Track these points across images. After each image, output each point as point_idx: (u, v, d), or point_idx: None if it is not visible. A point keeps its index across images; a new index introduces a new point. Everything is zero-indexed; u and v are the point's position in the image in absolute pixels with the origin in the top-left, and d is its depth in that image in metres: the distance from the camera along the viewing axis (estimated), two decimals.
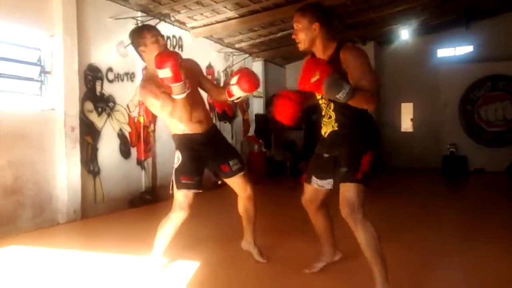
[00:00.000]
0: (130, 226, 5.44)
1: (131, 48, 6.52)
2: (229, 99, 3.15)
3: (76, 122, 5.60)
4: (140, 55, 3.06)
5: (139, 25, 3.21)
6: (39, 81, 5.40)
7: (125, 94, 6.59)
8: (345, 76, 2.54)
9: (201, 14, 7.57)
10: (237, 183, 3.40)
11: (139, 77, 6.81)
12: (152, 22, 6.90)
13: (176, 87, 2.73)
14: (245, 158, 10.02)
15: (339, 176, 2.72)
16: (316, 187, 2.99)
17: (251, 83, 3.03)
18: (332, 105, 2.77)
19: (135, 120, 6.78)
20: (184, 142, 3.20)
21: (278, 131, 11.19)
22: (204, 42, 8.55)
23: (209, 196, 7.85)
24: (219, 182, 3.49)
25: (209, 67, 8.83)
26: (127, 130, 6.60)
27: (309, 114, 11.96)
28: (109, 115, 6.26)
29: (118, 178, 6.38)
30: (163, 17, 7.15)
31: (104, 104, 6.19)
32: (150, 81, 2.96)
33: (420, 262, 3.54)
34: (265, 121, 10.55)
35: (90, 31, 5.97)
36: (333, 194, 2.90)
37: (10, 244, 4.36)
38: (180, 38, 7.82)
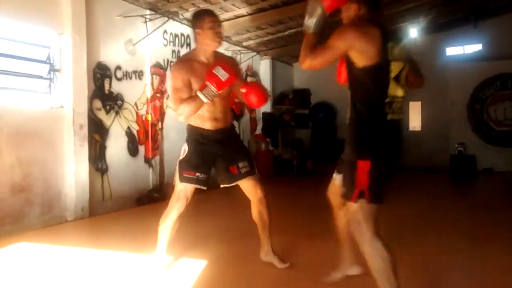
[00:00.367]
0: (138, 224, 5.45)
1: (139, 46, 6.62)
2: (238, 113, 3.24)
3: (84, 120, 5.62)
4: (195, 37, 3.10)
5: (202, 9, 3.24)
6: (48, 79, 5.42)
7: (134, 92, 6.60)
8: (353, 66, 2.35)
9: None
10: (247, 186, 3.32)
11: (147, 75, 6.83)
12: (161, 20, 6.93)
13: (210, 90, 2.85)
14: (252, 156, 10.02)
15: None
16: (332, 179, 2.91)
17: (259, 98, 3.07)
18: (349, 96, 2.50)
19: (143, 118, 6.79)
20: (194, 135, 3.18)
21: (285, 129, 11.18)
22: None
23: (214, 194, 7.88)
24: (221, 186, 3.38)
25: None
26: (135, 128, 6.61)
27: (316, 113, 11.97)
28: (117, 113, 6.28)
29: (126, 176, 6.40)
30: (172, 15, 7.15)
31: (112, 102, 6.20)
32: (185, 63, 3.09)
33: (423, 262, 3.52)
34: (272, 120, 10.54)
35: (99, 29, 5.98)
36: None
37: (19, 241, 4.38)
38: (188, 36, 7.82)
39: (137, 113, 6.66)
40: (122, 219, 5.71)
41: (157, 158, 7.04)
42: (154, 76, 6.99)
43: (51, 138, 5.30)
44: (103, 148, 6.05)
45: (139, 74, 6.70)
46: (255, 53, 10.08)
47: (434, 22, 10.33)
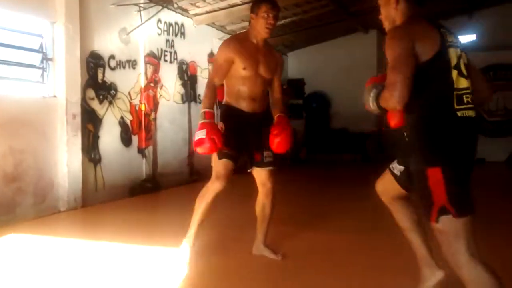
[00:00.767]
0: (131, 214, 5.45)
1: (133, 35, 6.55)
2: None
3: (77, 110, 5.58)
4: (249, 19, 3.18)
5: None
6: (41, 68, 5.36)
7: (127, 81, 6.55)
8: None
9: (204, 1, 7.51)
10: (261, 175, 3.31)
11: (141, 65, 6.78)
12: (155, 9, 6.87)
13: (203, 117, 3.12)
14: None
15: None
16: (390, 168, 2.46)
17: (280, 146, 3.18)
18: None
19: (137, 108, 6.76)
20: (230, 113, 3.21)
21: None
22: (206, 29, 8.48)
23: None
24: (249, 170, 3.35)
25: (211, 54, 8.77)
26: (128, 118, 6.58)
27: (310, 103, 11.96)
28: (110, 102, 6.24)
29: (119, 166, 6.37)
30: (166, 4, 7.08)
31: (105, 91, 6.16)
32: (235, 42, 3.17)
33: None
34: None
35: (92, 18, 5.92)
36: None
37: (11, 232, 4.37)
38: (182, 25, 7.76)
39: (130, 103, 6.62)
40: (115, 209, 5.70)
41: (151, 148, 7.02)
42: (148, 65, 6.94)
43: (44, 128, 5.26)
44: (96, 138, 6.01)
45: (132, 64, 6.65)
46: None
47: (429, 11, 10.29)
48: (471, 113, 2.00)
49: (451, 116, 1.98)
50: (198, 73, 8.32)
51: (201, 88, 8.39)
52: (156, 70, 7.13)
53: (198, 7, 7.71)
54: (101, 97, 6.07)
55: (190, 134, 8.00)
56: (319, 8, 8.98)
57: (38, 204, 5.13)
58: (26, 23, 5.22)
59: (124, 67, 6.49)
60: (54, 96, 5.42)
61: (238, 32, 3.11)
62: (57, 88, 5.43)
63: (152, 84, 7.04)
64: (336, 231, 4.34)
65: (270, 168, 3.30)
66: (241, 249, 3.67)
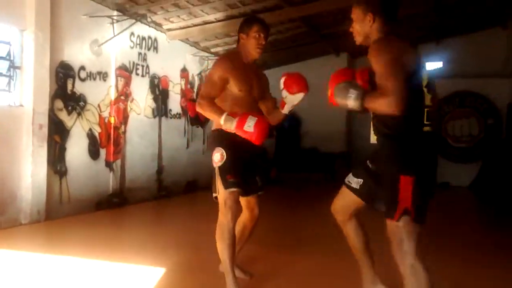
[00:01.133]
0: (95, 229, 5.31)
1: (105, 47, 6.48)
2: (283, 111, 3.07)
3: (44, 120, 5.45)
4: (238, 38, 3.14)
5: (255, 16, 3.19)
6: (8, 76, 5.23)
7: (97, 93, 6.45)
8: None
9: (178, 16, 7.51)
10: (250, 201, 3.19)
11: (112, 77, 6.70)
12: (128, 22, 6.82)
13: (230, 124, 2.82)
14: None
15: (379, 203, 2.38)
16: (345, 183, 2.64)
17: (298, 84, 2.98)
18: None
19: (106, 120, 6.64)
20: (228, 138, 2.95)
21: None
22: (179, 45, 8.48)
23: (177, 200, 7.81)
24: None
25: (184, 70, 8.76)
26: (97, 130, 6.46)
27: (281, 122, 12.02)
28: (79, 114, 6.11)
29: (85, 179, 6.22)
30: (140, 18, 7.05)
31: (74, 102, 6.04)
32: (230, 61, 3.03)
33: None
34: None
35: (64, 28, 5.83)
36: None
37: None
38: (155, 39, 7.73)
39: (100, 115, 6.51)
40: (80, 223, 5.55)
41: (119, 162, 6.89)
42: (119, 78, 6.86)
43: (8, 137, 5.11)
44: (63, 149, 5.87)
45: (103, 76, 6.56)
46: None
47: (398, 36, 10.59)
48: (433, 128, 2.31)
49: (421, 131, 2.24)
50: (170, 88, 8.28)
51: (173, 103, 8.35)
52: (127, 83, 7.05)
53: (172, 22, 7.71)
54: (69, 108, 5.95)
55: (160, 149, 7.92)
56: (293, 29, 9.11)
57: None
58: None
59: (94, 79, 6.39)
60: (21, 105, 5.28)
61: (226, 51, 3.03)
62: (24, 97, 5.30)
63: (122, 97, 6.95)
64: (304, 253, 4.33)
65: (261, 193, 3.21)
66: (209, 269, 3.60)
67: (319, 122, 11.14)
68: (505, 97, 10.86)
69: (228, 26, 7.98)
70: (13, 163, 5.15)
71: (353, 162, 11.98)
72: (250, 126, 2.76)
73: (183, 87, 8.75)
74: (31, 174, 5.26)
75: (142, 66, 7.43)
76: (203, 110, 2.98)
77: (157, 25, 7.69)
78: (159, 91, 7.94)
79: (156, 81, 7.83)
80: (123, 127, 6.97)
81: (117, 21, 6.65)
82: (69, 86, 5.95)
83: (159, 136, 7.93)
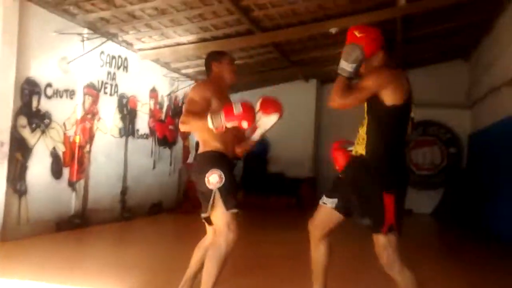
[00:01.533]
0: (54, 251, 5.13)
1: (74, 65, 6.38)
2: (254, 136, 3.10)
3: (6, 137, 5.28)
4: (209, 67, 3.22)
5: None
6: None
7: (63, 111, 6.31)
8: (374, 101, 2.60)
9: (150, 37, 7.49)
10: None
11: (78, 95, 6.58)
12: (99, 40, 6.75)
13: (219, 120, 2.75)
14: (183, 186, 9.87)
15: (361, 218, 2.63)
16: (321, 204, 2.87)
17: (274, 105, 3.10)
18: (366, 123, 2.69)
19: (71, 139, 6.49)
20: (222, 159, 2.99)
21: None
22: (150, 65, 8.44)
23: (141, 222, 7.65)
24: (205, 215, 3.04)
25: (153, 90, 8.70)
26: (61, 149, 6.29)
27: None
28: (43, 132, 5.95)
29: (46, 199, 6.02)
30: (111, 37, 6.99)
31: (39, 120, 5.88)
32: (210, 85, 3.10)
33: None
34: None
35: (32, 44, 5.71)
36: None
37: None
38: (126, 58, 7.66)
39: (65, 134, 6.35)
40: (38, 245, 5.34)
41: (82, 181, 6.72)
42: (87, 96, 6.74)
43: None
44: (24, 168, 5.68)
45: (70, 94, 6.43)
46: (193, 81, 10.06)
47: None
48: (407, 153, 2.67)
49: (402, 156, 2.68)
50: (139, 108, 8.19)
51: (141, 122, 8.25)
52: (94, 102, 6.94)
53: (143, 42, 7.68)
54: (33, 125, 5.79)
55: (125, 169, 7.78)
56: (264, 54, 9.22)
57: None
58: None
59: (61, 97, 6.26)
60: None
61: (203, 80, 3.10)
62: None
63: (89, 116, 6.82)
64: (266, 277, 4.30)
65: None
66: None
67: (287, 147, 11.24)
68: (467, 127, 11.26)
69: (200, 49, 8.02)
70: None
71: (319, 188, 12.10)
72: (239, 109, 2.76)
73: (152, 107, 8.68)
74: None
75: (111, 85, 7.34)
76: (188, 123, 2.94)
77: (128, 45, 7.65)
78: (127, 111, 7.85)
79: (124, 100, 7.73)
80: (88, 146, 6.83)
81: (88, 39, 6.58)
82: (34, 103, 5.80)
83: (125, 156, 7.80)
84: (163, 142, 9.06)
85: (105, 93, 7.20)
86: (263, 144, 12.04)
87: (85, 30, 6.55)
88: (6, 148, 5.28)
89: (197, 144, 9.89)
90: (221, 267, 2.83)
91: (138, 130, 8.18)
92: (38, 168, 5.89)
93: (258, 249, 5.80)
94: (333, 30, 7.69)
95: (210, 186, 2.88)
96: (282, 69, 10.44)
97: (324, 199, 2.87)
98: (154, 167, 8.74)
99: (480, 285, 4.45)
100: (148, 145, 8.57)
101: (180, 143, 9.79)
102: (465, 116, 11.29)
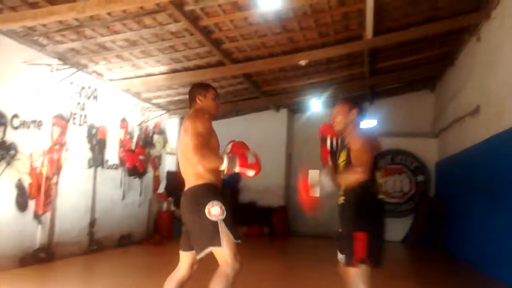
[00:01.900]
0: (16, 287, 4.94)
1: (42, 95, 6.29)
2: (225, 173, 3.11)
3: None
4: (193, 99, 3.27)
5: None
6: None
7: (30, 142, 6.18)
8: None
9: (121, 67, 7.49)
10: (190, 258, 3.13)
11: (46, 125, 6.47)
12: (69, 71, 6.71)
13: (233, 164, 2.99)
14: (153, 217, 9.73)
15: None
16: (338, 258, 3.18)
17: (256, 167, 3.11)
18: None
19: (38, 170, 6.35)
20: (218, 191, 3.08)
21: None
22: (120, 95, 8.40)
23: (109, 255, 7.47)
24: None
25: (124, 120, 8.64)
26: (27, 180, 6.14)
27: None
28: (8, 163, 5.80)
29: (9, 232, 5.82)
30: (81, 67, 6.96)
31: (4, 151, 5.74)
32: (209, 118, 3.14)
33: None
34: (176, 179, 10.38)
35: (0, 73, 5.63)
36: None
37: None
38: (95, 89, 7.61)
39: (31, 165, 6.21)
40: None
41: (48, 214, 6.55)
42: (55, 127, 6.65)
43: None
44: None
45: (38, 124, 6.32)
46: (164, 111, 10.05)
47: (334, 96, 11.09)
48: (383, 197, 3.13)
49: (374, 199, 3.05)
50: (108, 138, 8.10)
51: (110, 153, 8.15)
52: (63, 133, 6.84)
53: (114, 72, 7.67)
54: None
55: (94, 200, 7.63)
56: (235, 85, 9.32)
57: None
58: None
59: (28, 127, 6.15)
60: None
61: (196, 110, 3.12)
62: None
63: (57, 147, 6.71)
64: None
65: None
66: None
67: (258, 176, 11.14)
68: (434, 156, 11.53)
69: (171, 80, 8.06)
70: None
71: (290, 216, 12.12)
72: (252, 159, 2.99)
73: (122, 137, 8.60)
74: None
75: (80, 115, 7.26)
76: (208, 160, 2.98)
77: (99, 75, 7.61)
78: (96, 141, 7.75)
79: (93, 130, 7.64)
80: (55, 177, 6.69)
81: (57, 69, 6.53)
82: (0, 134, 5.68)
83: (94, 187, 7.66)
84: (133, 172, 8.95)
85: (74, 123, 7.11)
86: (235, 175, 12.02)
87: (55, 61, 6.50)
88: None
89: (167, 174, 9.79)
90: None
91: (107, 160, 8.07)
92: (2, 201, 5.72)
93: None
94: (302, 62, 7.86)
95: (212, 218, 2.90)
96: (253, 99, 10.56)
97: (339, 254, 3.17)
98: (123, 198, 8.60)
99: None
100: (118, 176, 8.45)
101: (150, 173, 9.69)
102: (431, 145, 11.58)
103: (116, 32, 6.18)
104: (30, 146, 6.20)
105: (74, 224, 7.12)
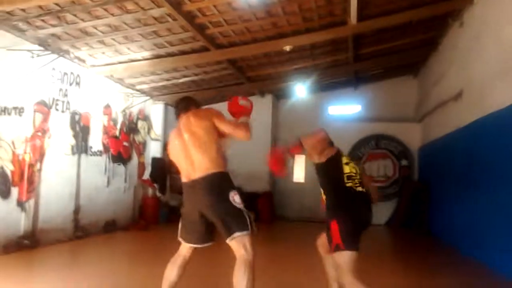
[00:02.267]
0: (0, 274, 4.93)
1: (23, 81, 6.21)
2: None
3: None
4: (189, 108, 3.40)
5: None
6: None
7: (12, 129, 6.12)
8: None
9: (103, 53, 7.40)
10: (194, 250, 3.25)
11: (28, 112, 6.40)
12: (50, 57, 6.62)
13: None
14: (138, 203, 9.72)
15: None
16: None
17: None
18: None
19: (20, 157, 6.29)
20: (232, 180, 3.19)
21: (174, 175, 11.05)
22: (103, 81, 8.32)
23: (94, 241, 7.46)
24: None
25: (107, 107, 8.57)
26: (9, 168, 6.09)
27: None
28: None
29: None
30: (62, 53, 6.87)
31: None
32: None
33: None
34: (161, 165, 10.37)
35: None
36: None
37: None
38: (78, 75, 7.53)
39: (13, 152, 6.16)
40: None
41: (32, 201, 6.51)
42: (37, 113, 6.58)
43: None
44: None
45: (19, 111, 6.25)
46: (148, 97, 9.98)
47: (319, 82, 11.13)
48: (360, 189, 3.30)
49: (342, 188, 3.29)
50: (91, 124, 8.03)
51: (94, 139, 8.10)
52: (45, 119, 6.77)
53: (96, 58, 7.58)
54: None
55: (78, 187, 7.60)
56: (220, 70, 9.28)
57: None
58: None
59: (9, 114, 6.08)
60: None
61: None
62: None
63: (39, 134, 6.65)
64: None
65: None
66: None
67: (244, 162, 11.26)
68: (417, 140, 11.66)
69: (154, 65, 8.00)
70: None
71: (276, 201, 12.20)
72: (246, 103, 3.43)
73: (106, 123, 8.54)
74: None
75: (63, 101, 7.18)
76: (246, 129, 3.20)
77: (81, 61, 7.52)
78: (80, 128, 7.69)
79: (77, 117, 7.58)
80: (38, 164, 6.64)
81: (38, 55, 6.43)
82: None
83: (78, 174, 7.62)
84: (118, 158, 8.91)
85: (57, 110, 7.04)
86: None
87: (36, 47, 6.41)
88: None
89: (152, 160, 9.74)
90: (253, 282, 2.92)
91: (91, 147, 8.02)
92: None
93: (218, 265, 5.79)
94: (287, 48, 7.86)
95: (237, 206, 3.00)
96: (238, 85, 10.53)
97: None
98: (108, 184, 8.58)
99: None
100: (102, 162, 8.41)
101: (135, 160, 9.66)
102: (415, 129, 11.70)
103: (98, 17, 6.10)
104: (12, 133, 6.14)
105: (59, 211, 7.09)
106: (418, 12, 7.40)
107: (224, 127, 3.10)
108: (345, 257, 3.04)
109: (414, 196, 10.61)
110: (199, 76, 9.36)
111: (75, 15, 5.92)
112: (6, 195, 6.06)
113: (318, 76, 10.39)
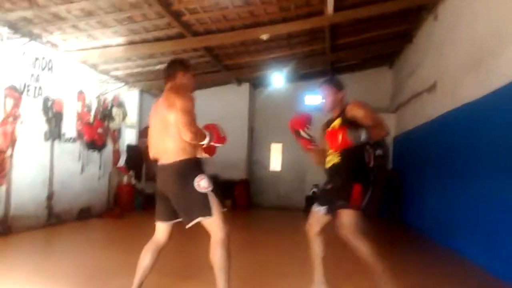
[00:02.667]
0: None
1: None
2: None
3: None
4: (174, 74, 3.33)
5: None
6: None
7: None
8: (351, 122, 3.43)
9: (77, 38, 7.27)
10: (169, 228, 3.28)
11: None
12: (21, 40, 6.48)
13: (211, 139, 3.25)
14: (113, 190, 9.65)
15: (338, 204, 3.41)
16: (314, 210, 3.66)
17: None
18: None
19: None
20: (201, 165, 3.23)
21: (150, 163, 10.98)
22: (77, 66, 8.19)
23: (69, 228, 7.41)
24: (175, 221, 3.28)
25: (81, 93, 8.44)
26: None
27: None
28: None
29: None
30: (34, 37, 6.72)
31: None
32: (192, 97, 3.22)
33: None
34: (137, 152, 10.31)
35: None
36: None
37: None
38: (50, 60, 7.38)
39: None
40: None
41: (3, 187, 6.41)
42: (8, 98, 6.44)
43: None
44: None
45: None
46: (123, 84, 9.86)
47: (296, 71, 11.18)
48: (380, 152, 3.76)
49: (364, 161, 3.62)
50: (65, 110, 7.91)
51: (67, 126, 7.99)
52: (16, 105, 6.63)
53: (69, 43, 7.44)
54: None
55: (52, 174, 7.50)
56: (196, 58, 9.23)
57: None
58: None
59: None
60: None
61: (178, 85, 3.20)
62: None
63: (11, 119, 6.52)
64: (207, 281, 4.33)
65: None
66: None
67: (221, 150, 11.15)
68: (391, 130, 11.80)
69: (129, 51, 7.92)
70: None
71: (252, 189, 12.28)
72: (223, 133, 3.39)
73: (80, 110, 8.42)
74: None
75: (35, 87, 7.04)
76: (197, 136, 3.11)
77: (53, 46, 7.37)
78: (53, 114, 7.56)
79: (49, 103, 7.45)
80: (10, 150, 6.52)
81: (8, 38, 6.29)
82: None
83: (51, 160, 7.52)
84: (92, 145, 8.81)
85: (28, 95, 6.91)
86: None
87: (5, 30, 6.25)
88: None
89: (127, 147, 9.69)
90: (229, 259, 3.05)
91: (64, 133, 7.91)
92: None
93: (194, 252, 5.82)
94: (264, 37, 7.86)
95: (201, 190, 3.05)
96: (214, 72, 10.51)
97: (316, 207, 3.68)
98: (82, 171, 8.49)
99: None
100: (76, 149, 8.30)
101: (109, 147, 9.56)
102: (389, 120, 11.83)
103: (71, 1, 5.98)
104: None
105: (32, 198, 6.99)
106: (393, 4, 7.49)
107: (180, 121, 3.08)
108: (356, 218, 3.36)
109: (388, 185, 10.79)
110: None
111: None
112: None
113: (295, 66, 10.43)
